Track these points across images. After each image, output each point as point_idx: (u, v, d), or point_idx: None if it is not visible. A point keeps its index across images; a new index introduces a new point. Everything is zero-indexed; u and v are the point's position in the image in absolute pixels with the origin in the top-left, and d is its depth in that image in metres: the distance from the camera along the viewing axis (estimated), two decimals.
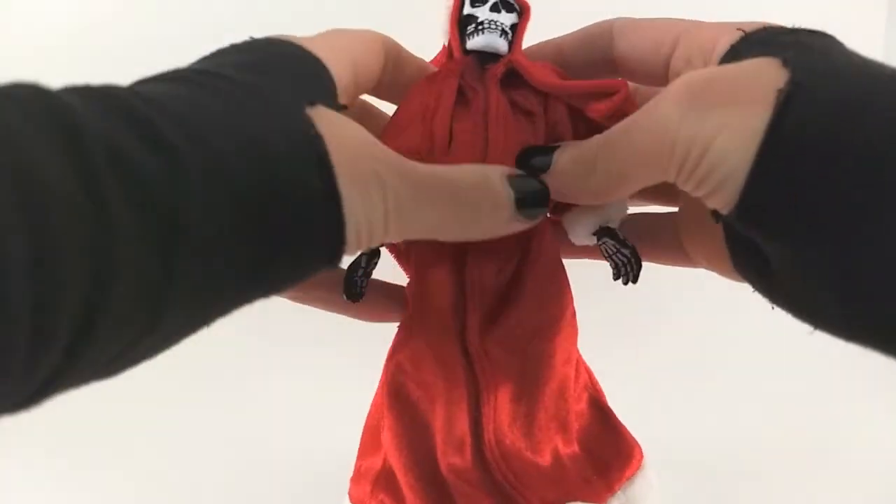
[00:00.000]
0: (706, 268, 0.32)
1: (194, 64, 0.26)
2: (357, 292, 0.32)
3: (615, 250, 0.34)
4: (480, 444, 0.33)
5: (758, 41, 0.27)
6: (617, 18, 0.33)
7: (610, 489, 0.35)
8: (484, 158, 0.31)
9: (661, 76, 0.31)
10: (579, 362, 0.36)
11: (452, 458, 0.33)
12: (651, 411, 0.47)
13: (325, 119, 0.25)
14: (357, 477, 0.37)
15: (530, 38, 0.35)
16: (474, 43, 0.32)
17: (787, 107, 0.23)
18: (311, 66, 0.27)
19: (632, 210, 0.35)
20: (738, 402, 0.51)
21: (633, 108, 0.30)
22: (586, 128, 0.33)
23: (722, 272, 0.30)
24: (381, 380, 0.35)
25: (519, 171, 0.30)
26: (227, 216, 0.21)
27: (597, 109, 0.31)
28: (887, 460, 0.46)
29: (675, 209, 0.34)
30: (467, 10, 0.33)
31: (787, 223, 0.23)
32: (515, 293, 0.32)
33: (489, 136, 0.31)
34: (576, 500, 0.34)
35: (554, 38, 0.35)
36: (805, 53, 0.25)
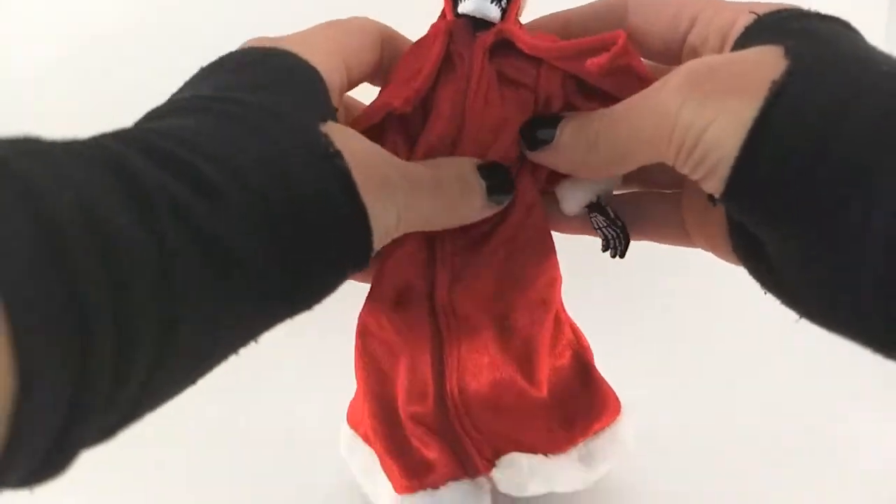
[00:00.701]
0: (705, 249, 0.32)
1: (202, 84, 0.27)
2: None
3: (605, 224, 0.35)
4: (442, 392, 0.35)
5: (768, 26, 0.27)
6: None
7: (572, 441, 0.37)
8: (459, 132, 0.32)
9: (675, 53, 0.31)
10: (561, 321, 0.38)
11: (413, 406, 0.36)
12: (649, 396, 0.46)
13: (337, 133, 0.26)
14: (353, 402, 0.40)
15: (536, 12, 0.34)
16: (465, 6, 0.32)
17: (778, 98, 0.23)
18: (309, 77, 0.28)
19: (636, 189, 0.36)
20: (736, 389, 0.51)
21: (636, 60, 0.31)
22: (584, 101, 0.33)
23: (721, 255, 0.31)
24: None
25: (487, 161, 0.32)
26: (269, 245, 0.23)
27: (595, 63, 0.30)
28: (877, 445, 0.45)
29: (675, 191, 0.34)
30: None
31: (771, 211, 0.24)
32: (485, 254, 0.34)
33: (465, 111, 0.32)
34: (533, 450, 0.36)
35: (561, 11, 0.34)
36: (810, 42, 0.25)
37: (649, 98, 0.27)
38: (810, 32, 0.26)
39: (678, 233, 0.34)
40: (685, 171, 0.26)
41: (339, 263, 0.26)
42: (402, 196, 0.28)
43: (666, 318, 0.58)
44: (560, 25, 0.34)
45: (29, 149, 0.19)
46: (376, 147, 0.29)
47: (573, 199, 0.35)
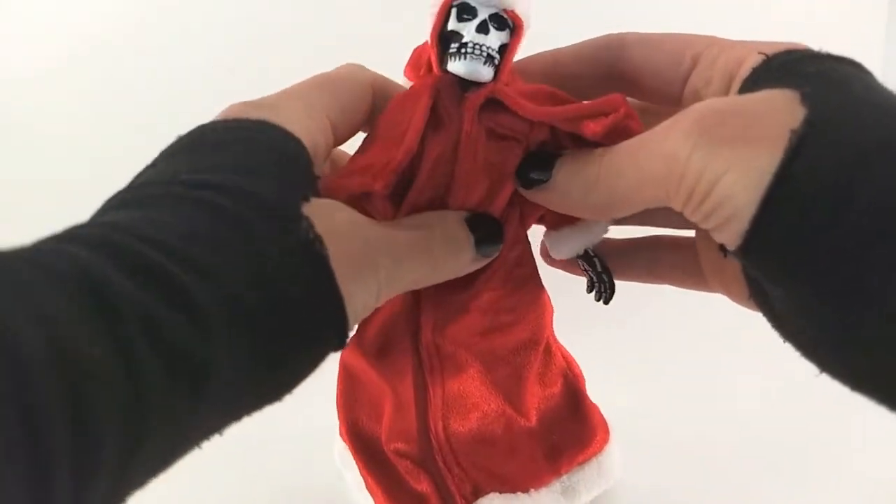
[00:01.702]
0: (723, 294, 0.31)
1: (185, 159, 0.26)
2: None
3: (592, 273, 0.35)
4: (426, 430, 0.35)
5: (778, 67, 0.26)
6: (629, 32, 0.31)
7: (556, 472, 0.37)
8: (446, 192, 0.31)
9: (675, 94, 0.30)
10: (552, 351, 0.37)
11: (397, 443, 0.36)
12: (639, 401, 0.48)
13: (318, 213, 0.26)
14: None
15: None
16: (455, 67, 0.30)
17: (799, 150, 0.22)
18: (291, 153, 0.27)
19: (651, 231, 0.35)
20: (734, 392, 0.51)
21: (636, 124, 0.30)
22: (575, 146, 0.32)
23: (738, 301, 0.30)
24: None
25: (474, 213, 0.31)
26: (245, 352, 0.22)
27: (592, 130, 0.29)
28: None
29: (690, 237, 0.33)
30: (452, 24, 0.30)
31: (789, 268, 0.23)
32: (472, 295, 0.34)
33: (454, 173, 0.31)
34: (514, 486, 0.36)
35: (550, 50, 0.32)
36: (825, 87, 0.24)
37: (656, 140, 0.26)
38: (824, 76, 0.24)
39: (696, 279, 0.32)
40: (695, 219, 0.25)
41: (316, 353, 0.26)
42: (385, 273, 0.27)
43: (665, 321, 0.58)
44: (549, 64, 0.32)
45: None
46: (359, 220, 0.28)
47: (561, 251, 0.35)
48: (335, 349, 0.26)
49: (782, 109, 0.23)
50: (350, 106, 0.31)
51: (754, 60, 0.26)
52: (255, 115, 0.28)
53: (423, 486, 0.36)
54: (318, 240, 0.25)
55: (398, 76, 0.34)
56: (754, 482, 0.43)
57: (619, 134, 0.29)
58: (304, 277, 0.24)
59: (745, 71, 0.27)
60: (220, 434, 0.24)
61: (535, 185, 0.31)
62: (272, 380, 0.24)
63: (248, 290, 0.23)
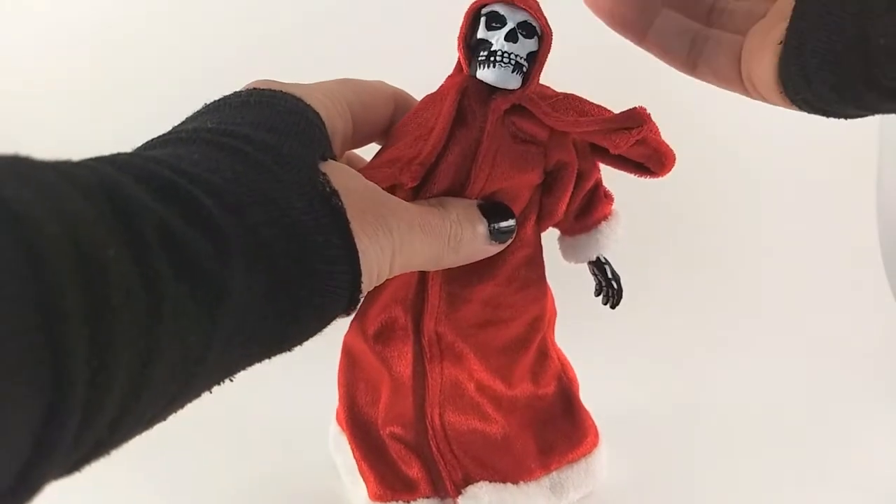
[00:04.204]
0: (757, 95, 0.31)
1: (211, 116, 0.27)
2: None
3: (602, 279, 0.36)
4: (422, 417, 0.36)
5: None
6: None
7: (546, 468, 0.38)
8: (463, 188, 0.32)
9: None
10: (549, 353, 0.38)
11: (392, 427, 0.37)
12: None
13: (336, 172, 0.27)
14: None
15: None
16: (484, 75, 0.30)
17: None
18: (310, 120, 0.28)
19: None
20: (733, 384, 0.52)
21: (656, 135, 0.31)
22: (595, 155, 0.34)
23: (771, 99, 0.30)
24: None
25: (487, 201, 0.32)
26: (261, 283, 0.23)
27: (617, 147, 0.30)
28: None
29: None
30: (482, 33, 0.30)
31: None
32: (478, 288, 0.35)
33: (473, 169, 0.32)
34: (504, 478, 0.37)
35: None
36: None
37: None
38: None
39: (734, 80, 0.31)
40: None
41: (327, 305, 0.26)
42: (398, 236, 0.28)
43: (666, 322, 0.58)
44: None
45: (20, 171, 0.18)
46: (375, 187, 0.28)
47: (574, 257, 0.37)
48: (346, 308, 0.27)
49: None
50: (371, 106, 0.32)
51: None
52: (276, 87, 0.29)
53: (414, 471, 0.37)
54: (335, 193, 0.26)
55: (404, 81, 0.35)
56: (749, 482, 0.43)
57: (643, 148, 0.31)
58: (321, 225, 0.25)
59: None
60: (231, 380, 0.24)
61: None
62: (284, 322, 0.24)
63: (268, 225, 0.23)
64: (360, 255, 0.26)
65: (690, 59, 0.32)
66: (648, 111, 0.31)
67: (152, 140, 0.26)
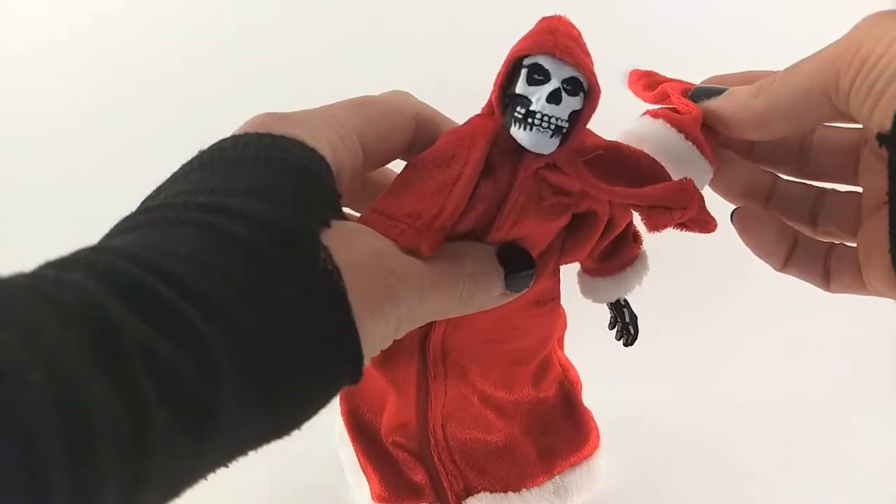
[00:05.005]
0: (882, 293, 0.31)
1: (202, 179, 0.25)
2: None
3: (619, 319, 0.36)
4: (425, 426, 0.36)
5: None
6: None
7: (549, 473, 0.38)
8: (484, 233, 0.30)
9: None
10: (551, 362, 0.38)
11: (395, 436, 0.37)
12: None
13: (338, 241, 0.25)
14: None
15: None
16: (519, 136, 0.27)
17: None
18: (313, 171, 0.26)
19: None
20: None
21: (707, 217, 0.30)
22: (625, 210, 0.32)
23: (880, 285, 0.30)
24: None
25: (506, 245, 0.30)
26: (255, 393, 0.22)
27: (654, 227, 0.29)
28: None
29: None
30: (521, 87, 0.26)
31: None
32: (488, 313, 0.32)
33: (496, 222, 0.29)
34: (506, 486, 0.37)
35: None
36: None
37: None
38: None
39: (856, 281, 0.32)
40: (862, 93, 0.26)
41: (326, 390, 0.25)
42: (406, 306, 0.26)
43: (671, 325, 0.58)
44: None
45: None
46: (382, 250, 0.26)
47: (594, 296, 0.36)
48: (348, 384, 0.25)
49: None
50: (387, 132, 0.30)
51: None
52: (277, 128, 0.26)
53: (420, 477, 0.37)
54: (335, 272, 0.24)
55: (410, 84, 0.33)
56: (749, 484, 0.43)
57: (686, 228, 0.29)
58: (319, 312, 0.23)
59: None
60: (227, 467, 0.23)
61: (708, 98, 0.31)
62: (280, 419, 0.24)
63: (259, 327, 0.22)
64: (362, 338, 0.24)
65: (825, 280, 0.33)
66: (694, 184, 0.29)
67: (136, 216, 0.24)
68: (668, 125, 0.31)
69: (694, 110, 0.31)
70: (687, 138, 0.30)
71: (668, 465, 0.44)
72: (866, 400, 0.52)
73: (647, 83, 0.34)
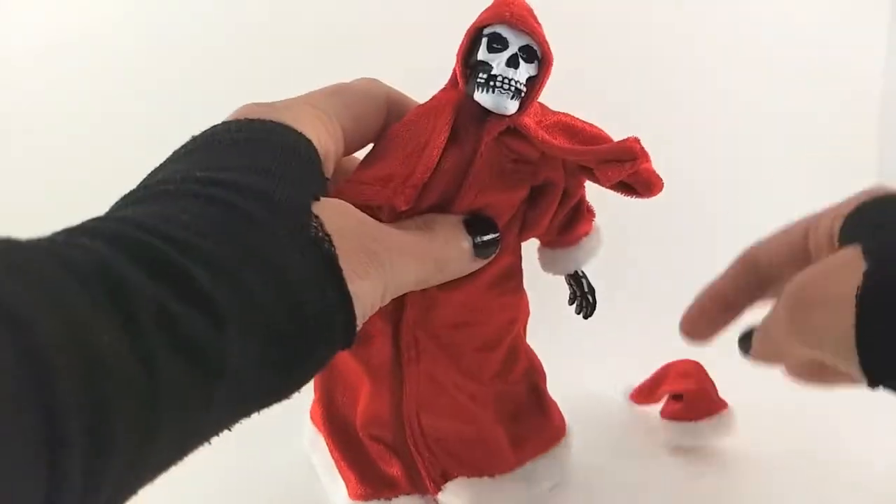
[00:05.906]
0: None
1: (200, 158, 0.26)
2: None
3: (577, 291, 0.38)
4: (400, 416, 0.37)
5: (852, 224, 0.29)
6: (753, 247, 0.34)
7: (521, 461, 0.39)
8: (451, 202, 0.32)
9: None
10: (519, 351, 0.39)
11: (371, 429, 0.38)
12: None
13: (328, 212, 0.26)
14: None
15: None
16: (482, 99, 0.30)
17: (864, 303, 0.25)
18: (303, 153, 0.28)
19: None
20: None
21: (647, 167, 0.31)
22: (583, 174, 0.34)
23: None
24: None
25: (472, 216, 0.33)
26: (256, 347, 0.23)
27: (608, 178, 0.31)
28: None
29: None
30: (482, 54, 0.30)
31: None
32: (455, 291, 0.35)
33: (463, 186, 0.32)
34: (480, 471, 0.38)
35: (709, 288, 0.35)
36: (884, 234, 0.27)
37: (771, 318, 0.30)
38: (884, 224, 0.28)
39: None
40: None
41: (324, 351, 0.26)
42: (390, 269, 0.28)
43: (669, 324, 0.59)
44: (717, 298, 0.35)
45: (12, 261, 0.19)
46: (366, 221, 0.28)
47: (553, 268, 0.38)
48: (342, 348, 0.27)
49: (847, 268, 0.27)
50: (363, 117, 0.32)
51: (839, 223, 0.30)
52: (267, 116, 0.28)
53: (395, 469, 0.38)
54: (327, 238, 0.26)
55: (400, 77, 0.35)
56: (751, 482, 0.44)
57: (633, 176, 0.31)
58: (314, 275, 0.25)
59: (836, 231, 0.30)
60: (230, 430, 0.24)
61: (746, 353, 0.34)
62: (281, 377, 0.25)
63: (261, 287, 0.23)
64: (354, 298, 0.26)
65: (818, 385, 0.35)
66: (641, 143, 0.31)
67: (137, 192, 0.25)
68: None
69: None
70: None
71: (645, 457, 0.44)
72: (866, 400, 0.51)
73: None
